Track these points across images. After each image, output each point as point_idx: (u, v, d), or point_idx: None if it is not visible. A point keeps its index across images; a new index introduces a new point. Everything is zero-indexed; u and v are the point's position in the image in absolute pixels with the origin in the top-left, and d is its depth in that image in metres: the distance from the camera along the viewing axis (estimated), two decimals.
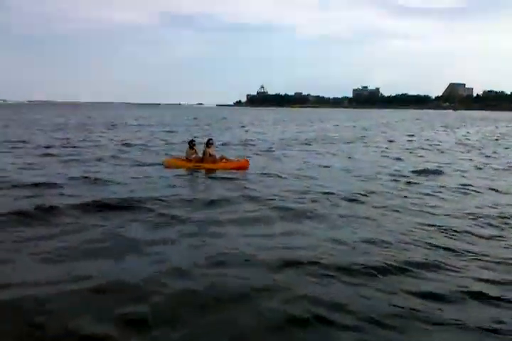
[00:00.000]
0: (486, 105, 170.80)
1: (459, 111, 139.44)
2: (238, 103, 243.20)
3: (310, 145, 21.69)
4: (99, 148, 18.27)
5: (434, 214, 7.82)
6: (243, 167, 12.52)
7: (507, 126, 46.93)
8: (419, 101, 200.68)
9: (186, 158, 13.21)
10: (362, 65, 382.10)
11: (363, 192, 9.47)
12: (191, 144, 13.36)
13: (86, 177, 10.70)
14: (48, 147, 18.02)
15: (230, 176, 11.54)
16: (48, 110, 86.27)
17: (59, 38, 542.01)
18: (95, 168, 12.60)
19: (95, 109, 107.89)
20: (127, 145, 19.54)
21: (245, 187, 9.94)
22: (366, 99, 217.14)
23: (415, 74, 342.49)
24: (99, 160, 14.41)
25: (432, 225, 7.04)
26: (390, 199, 9.10)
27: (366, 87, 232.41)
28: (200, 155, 12.99)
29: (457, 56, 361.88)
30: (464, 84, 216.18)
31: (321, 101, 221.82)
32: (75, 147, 18.39)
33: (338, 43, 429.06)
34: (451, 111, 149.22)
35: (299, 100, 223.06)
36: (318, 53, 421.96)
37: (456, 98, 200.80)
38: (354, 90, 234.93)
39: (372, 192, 9.62)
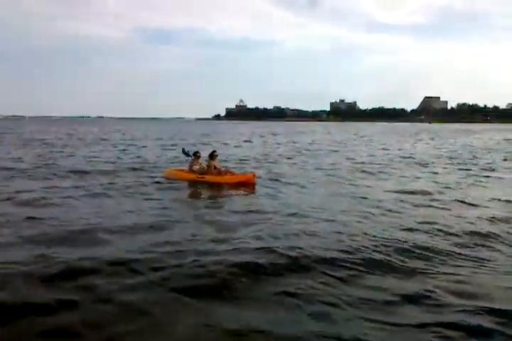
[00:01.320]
0: (461, 118, 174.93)
1: (433, 124, 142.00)
2: (217, 117, 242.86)
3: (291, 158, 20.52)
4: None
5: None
6: (249, 181, 11.51)
7: (477, 138, 46.50)
8: (396, 115, 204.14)
9: (189, 170, 12.34)
10: (339, 79, 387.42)
11: None
12: (196, 155, 12.50)
13: None
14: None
15: (233, 193, 10.68)
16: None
17: (34, 53, 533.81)
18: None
19: (71, 123, 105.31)
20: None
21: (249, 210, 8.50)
22: (344, 112, 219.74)
23: (391, 88, 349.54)
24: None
25: None
26: None
27: (343, 101, 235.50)
28: (205, 167, 12.17)
29: (432, 70, 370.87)
30: (439, 98, 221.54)
31: (299, 115, 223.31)
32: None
33: (315, 58, 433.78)
34: (426, 124, 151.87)
35: (277, 114, 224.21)
36: (296, 67, 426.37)
37: (431, 111, 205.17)
38: (332, 103, 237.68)
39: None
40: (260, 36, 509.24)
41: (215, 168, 11.95)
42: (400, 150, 27.02)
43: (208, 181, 11.72)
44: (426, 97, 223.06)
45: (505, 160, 20.69)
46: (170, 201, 9.47)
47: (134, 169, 14.61)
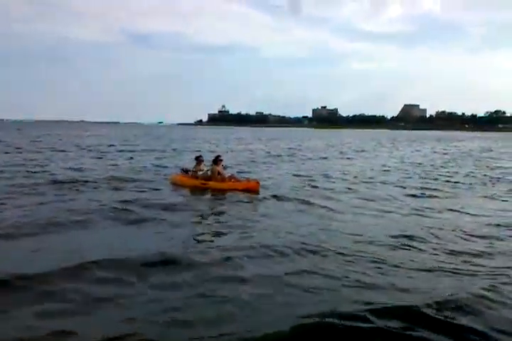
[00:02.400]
0: (439, 125, 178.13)
1: (413, 131, 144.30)
2: (199, 122, 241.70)
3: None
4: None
5: None
6: (252, 189, 11.14)
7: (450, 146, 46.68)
8: (376, 122, 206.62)
9: (193, 175, 11.92)
10: (321, 86, 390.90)
11: None
12: (198, 160, 12.08)
13: None
14: None
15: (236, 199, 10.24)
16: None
17: (13, 55, 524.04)
18: None
19: (49, 127, 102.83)
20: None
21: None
22: (325, 119, 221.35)
23: (372, 96, 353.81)
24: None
25: None
26: None
27: (325, 107, 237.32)
28: (209, 172, 11.76)
29: (411, 78, 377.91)
30: (418, 105, 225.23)
31: (281, 121, 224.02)
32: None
33: (297, 64, 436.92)
34: (405, 131, 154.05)
35: (259, 120, 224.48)
36: (279, 74, 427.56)
37: (411, 118, 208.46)
38: (314, 110, 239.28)
39: None
40: (242, 41, 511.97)
41: (219, 173, 11.54)
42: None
43: (211, 187, 11.32)
44: (405, 105, 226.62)
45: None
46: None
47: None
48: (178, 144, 35.39)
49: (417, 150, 35.48)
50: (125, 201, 9.25)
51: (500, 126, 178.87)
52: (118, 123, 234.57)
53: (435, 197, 11.20)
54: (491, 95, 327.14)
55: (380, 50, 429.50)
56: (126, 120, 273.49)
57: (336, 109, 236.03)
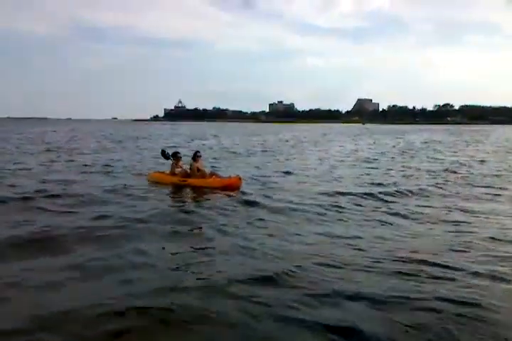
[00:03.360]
0: (392, 119, 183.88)
1: (366, 125, 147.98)
2: (155, 118, 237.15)
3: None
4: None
5: None
6: (234, 185, 10.74)
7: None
8: (331, 116, 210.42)
9: (171, 173, 11.55)
10: (277, 81, 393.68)
11: None
12: (176, 157, 11.69)
13: None
14: None
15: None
16: None
17: None
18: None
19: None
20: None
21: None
22: (282, 113, 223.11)
23: (326, 90, 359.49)
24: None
25: None
26: None
27: (282, 102, 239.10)
28: (188, 169, 11.43)
29: (364, 73, 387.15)
30: (371, 100, 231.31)
31: (238, 116, 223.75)
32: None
33: (252, 58, 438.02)
34: (360, 124, 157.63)
35: (217, 114, 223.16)
36: (235, 69, 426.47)
37: (364, 112, 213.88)
38: (270, 105, 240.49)
39: None
40: (196, 35, 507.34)
41: (198, 170, 11.23)
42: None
43: (190, 184, 11.02)
44: (359, 99, 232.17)
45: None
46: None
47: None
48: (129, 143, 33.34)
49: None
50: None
51: (448, 118, 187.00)
52: (70, 119, 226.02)
53: None
54: (439, 89, 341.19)
55: (333, 45, 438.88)
56: (77, 116, 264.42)
57: (293, 104, 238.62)
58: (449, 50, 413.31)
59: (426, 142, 38.73)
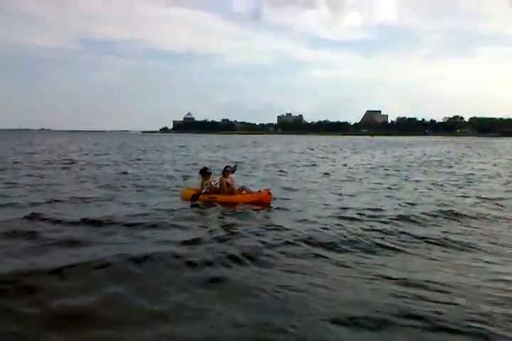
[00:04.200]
0: (401, 130, 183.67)
1: (375, 137, 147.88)
2: (164, 129, 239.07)
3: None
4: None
5: None
6: (264, 200, 10.61)
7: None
8: (340, 128, 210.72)
9: (201, 189, 11.52)
10: (285, 93, 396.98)
11: None
12: (205, 173, 11.72)
13: None
14: None
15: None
16: None
17: None
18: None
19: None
20: None
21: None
22: (291, 125, 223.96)
23: (335, 102, 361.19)
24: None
25: None
26: None
27: (290, 114, 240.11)
28: (217, 185, 11.42)
29: (372, 85, 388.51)
30: (380, 111, 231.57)
31: (247, 128, 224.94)
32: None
33: (261, 71, 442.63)
34: (368, 136, 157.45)
35: (226, 126, 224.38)
36: (243, 81, 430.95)
37: (373, 124, 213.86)
38: (279, 117, 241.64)
39: None
40: (205, 49, 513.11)
41: (228, 185, 11.25)
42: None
43: (220, 201, 10.95)
44: (368, 111, 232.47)
45: None
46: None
47: None
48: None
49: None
50: None
51: (458, 131, 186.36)
52: (81, 131, 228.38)
53: None
54: (449, 101, 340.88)
55: (341, 57, 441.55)
56: (89, 128, 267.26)
57: (301, 116, 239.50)
58: (458, 62, 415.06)
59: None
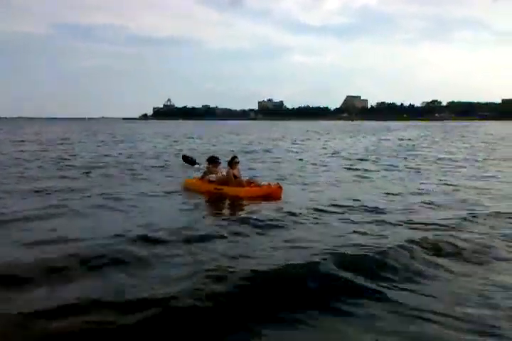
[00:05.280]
0: (381, 115, 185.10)
1: (355, 121, 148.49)
2: (144, 116, 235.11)
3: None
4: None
5: None
6: (274, 194, 10.01)
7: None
8: (320, 113, 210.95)
9: (204, 179, 11.01)
10: (266, 79, 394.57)
11: None
12: (214, 162, 11.16)
13: None
14: None
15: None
16: None
17: None
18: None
19: None
20: None
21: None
22: (271, 111, 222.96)
23: (315, 88, 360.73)
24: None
25: None
26: None
27: (271, 100, 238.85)
28: (222, 175, 10.95)
29: (352, 70, 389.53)
30: (360, 97, 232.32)
31: (228, 114, 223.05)
32: None
33: (241, 58, 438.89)
34: (349, 121, 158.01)
35: (206, 112, 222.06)
36: (224, 67, 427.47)
37: (353, 109, 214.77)
38: (259, 102, 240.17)
39: None
40: (185, 34, 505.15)
41: (235, 177, 10.78)
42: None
43: (226, 193, 10.37)
44: (348, 96, 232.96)
45: None
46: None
47: None
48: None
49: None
50: None
51: (436, 115, 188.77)
52: (58, 119, 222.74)
53: None
54: (428, 85, 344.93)
55: (321, 42, 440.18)
56: (65, 115, 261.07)
57: (282, 102, 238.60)
58: (437, 47, 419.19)
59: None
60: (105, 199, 9.68)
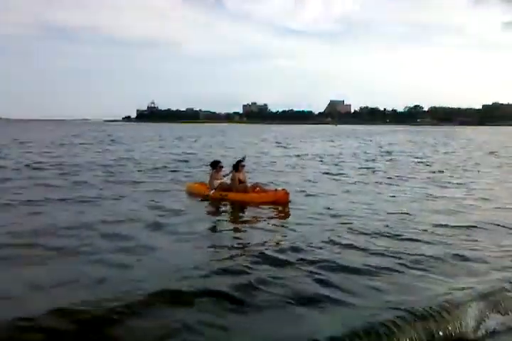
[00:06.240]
0: (364, 120, 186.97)
1: (339, 126, 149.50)
2: (127, 118, 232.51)
3: None
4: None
5: None
6: (280, 200, 9.66)
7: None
8: (304, 117, 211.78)
9: (210, 184, 10.66)
10: (250, 82, 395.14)
11: None
12: (216, 166, 10.84)
13: None
14: None
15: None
16: None
17: None
18: None
19: None
20: None
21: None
22: (256, 114, 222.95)
23: (299, 92, 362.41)
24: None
25: None
26: None
27: (255, 103, 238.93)
28: (228, 181, 10.65)
29: (336, 75, 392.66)
30: (343, 101, 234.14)
31: (212, 117, 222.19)
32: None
33: (226, 60, 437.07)
34: (331, 125, 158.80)
35: (190, 115, 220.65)
36: (208, 70, 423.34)
37: (336, 114, 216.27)
38: (244, 106, 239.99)
39: None
40: (168, 36, 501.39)
41: (240, 181, 10.48)
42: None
43: (231, 199, 10.02)
44: (331, 101, 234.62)
45: None
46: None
47: None
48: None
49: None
50: None
51: (418, 120, 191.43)
52: (38, 120, 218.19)
53: None
54: (410, 90, 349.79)
55: (305, 47, 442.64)
56: (46, 117, 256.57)
57: (266, 105, 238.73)
58: (419, 52, 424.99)
59: None
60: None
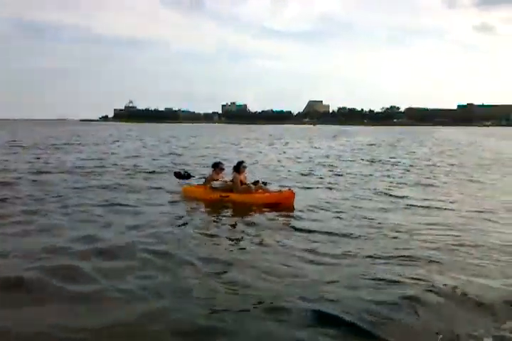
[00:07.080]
0: (341, 120, 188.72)
1: (317, 126, 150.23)
2: (104, 118, 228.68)
3: None
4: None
5: None
6: (286, 201, 9.39)
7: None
8: (283, 117, 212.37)
9: (208, 186, 10.37)
10: (230, 82, 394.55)
11: None
12: (218, 168, 10.57)
13: None
14: None
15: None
16: None
17: None
18: None
19: None
20: None
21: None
22: (235, 114, 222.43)
23: (278, 92, 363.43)
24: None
25: None
26: None
27: (234, 103, 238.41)
28: (230, 182, 10.33)
29: (315, 75, 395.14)
30: (322, 101, 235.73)
31: (191, 117, 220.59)
32: None
33: (205, 59, 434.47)
34: (311, 126, 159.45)
35: (169, 115, 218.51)
36: (188, 69, 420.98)
37: (315, 114, 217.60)
38: (223, 106, 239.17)
39: None
40: (147, 36, 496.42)
41: (242, 183, 10.20)
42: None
43: (233, 200, 9.72)
44: (310, 101, 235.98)
45: None
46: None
47: None
48: None
49: None
50: None
51: (395, 120, 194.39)
52: (11, 120, 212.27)
53: None
54: (387, 91, 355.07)
55: (285, 48, 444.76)
56: (19, 116, 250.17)
57: (245, 105, 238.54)
58: (396, 53, 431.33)
59: None
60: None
